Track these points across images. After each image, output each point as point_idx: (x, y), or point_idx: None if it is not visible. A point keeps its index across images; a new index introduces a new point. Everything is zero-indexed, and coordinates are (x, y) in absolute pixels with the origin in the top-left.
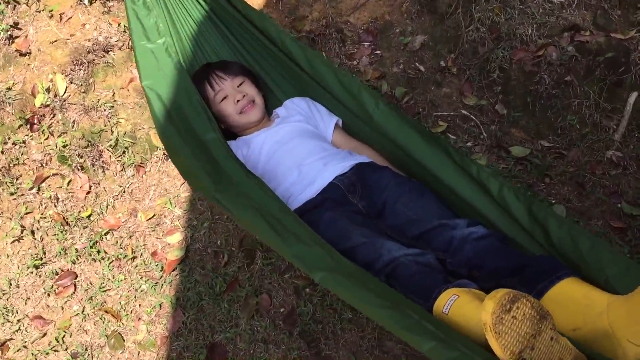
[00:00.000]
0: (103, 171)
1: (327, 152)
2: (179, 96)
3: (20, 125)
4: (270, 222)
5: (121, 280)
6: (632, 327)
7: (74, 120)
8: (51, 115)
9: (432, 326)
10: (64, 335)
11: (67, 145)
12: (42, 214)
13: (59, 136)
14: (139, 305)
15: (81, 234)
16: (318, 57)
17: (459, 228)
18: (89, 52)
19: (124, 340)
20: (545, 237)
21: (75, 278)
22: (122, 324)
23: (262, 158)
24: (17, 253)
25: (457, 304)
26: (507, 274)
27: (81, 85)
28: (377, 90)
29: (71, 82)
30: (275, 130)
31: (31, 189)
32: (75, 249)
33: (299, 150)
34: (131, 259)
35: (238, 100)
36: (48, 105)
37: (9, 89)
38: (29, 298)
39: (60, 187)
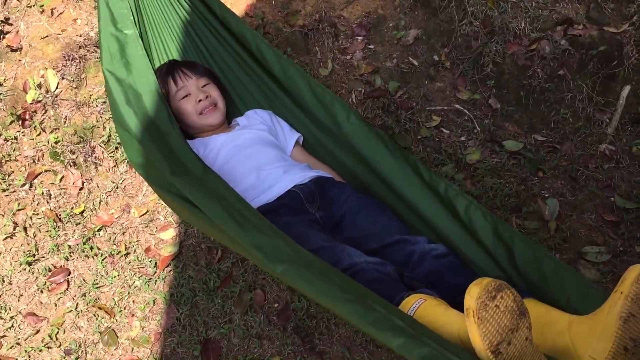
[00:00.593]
0: (96, 167)
1: (287, 162)
2: (140, 85)
3: (12, 122)
4: (229, 211)
5: (114, 277)
6: (593, 343)
7: (65, 116)
8: (43, 111)
9: (401, 321)
10: (57, 332)
11: (59, 141)
12: (34, 211)
13: (51, 132)
14: (133, 301)
15: (74, 231)
16: (292, 65)
17: (419, 244)
18: (80, 47)
19: (117, 337)
20: (508, 258)
21: (69, 274)
22: (116, 320)
23: (219, 159)
24: (10, 250)
25: (424, 307)
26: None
27: (73, 80)
28: (371, 85)
29: (63, 78)
30: (236, 134)
31: (23, 185)
32: (68, 245)
33: (258, 156)
34: (124, 255)
35: (200, 100)
36: (40, 101)
37: (0, 84)
38: (21, 295)
39: (53, 183)
